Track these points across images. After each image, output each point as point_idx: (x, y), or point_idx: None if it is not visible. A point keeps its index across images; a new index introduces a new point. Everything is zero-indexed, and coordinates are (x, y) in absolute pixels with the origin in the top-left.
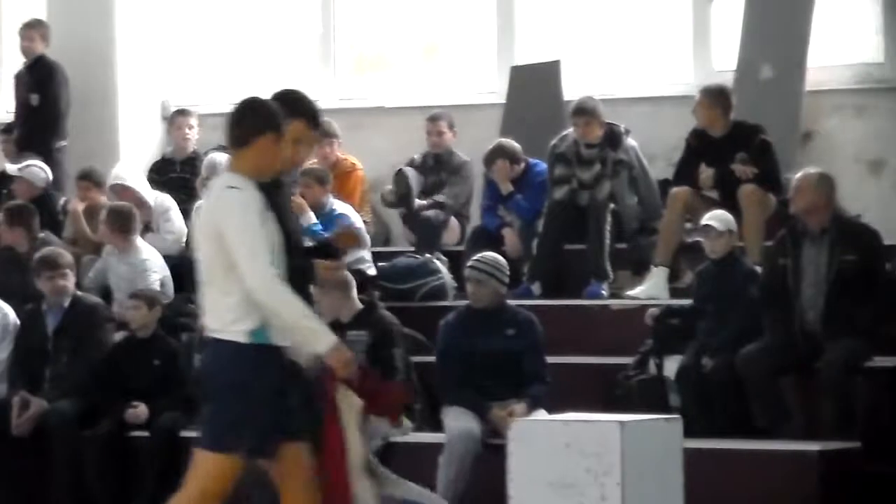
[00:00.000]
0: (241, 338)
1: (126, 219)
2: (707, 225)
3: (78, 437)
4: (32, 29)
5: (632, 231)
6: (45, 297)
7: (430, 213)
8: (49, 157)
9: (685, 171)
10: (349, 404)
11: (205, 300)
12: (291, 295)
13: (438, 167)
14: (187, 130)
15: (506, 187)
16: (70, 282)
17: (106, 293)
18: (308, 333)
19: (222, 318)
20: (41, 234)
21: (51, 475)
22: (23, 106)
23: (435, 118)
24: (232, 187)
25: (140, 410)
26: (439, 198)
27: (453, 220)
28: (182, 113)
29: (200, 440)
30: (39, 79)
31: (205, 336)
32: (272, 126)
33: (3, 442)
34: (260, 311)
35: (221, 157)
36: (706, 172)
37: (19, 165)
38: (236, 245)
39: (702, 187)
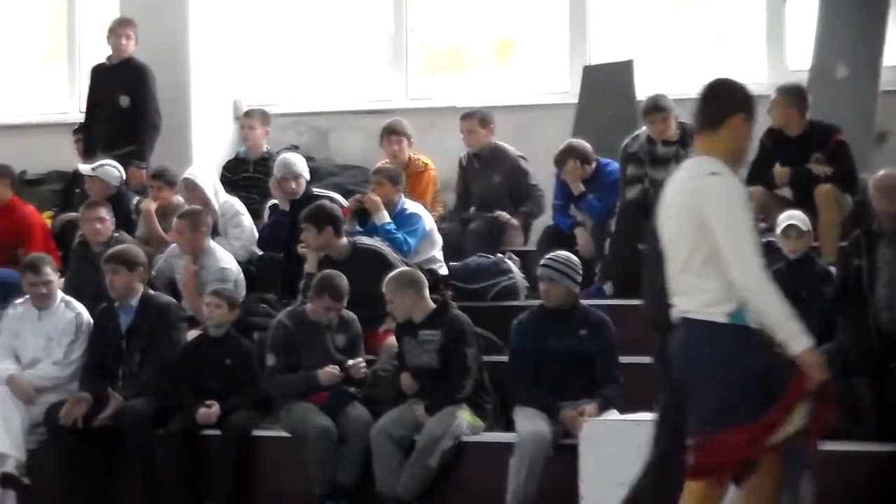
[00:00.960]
0: (719, 318)
1: (199, 220)
2: (791, 224)
3: (151, 435)
4: (125, 27)
5: None
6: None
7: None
8: (131, 158)
9: (760, 171)
10: (800, 413)
11: (677, 282)
12: (777, 294)
13: (483, 165)
14: (259, 130)
15: (577, 187)
16: (138, 279)
17: (174, 290)
18: (788, 334)
19: (699, 300)
20: (116, 234)
21: (124, 473)
22: (108, 106)
23: (465, 116)
24: (714, 173)
25: (212, 409)
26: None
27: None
28: (254, 113)
29: (696, 426)
30: (129, 80)
31: (673, 317)
32: (745, 107)
33: (77, 439)
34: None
35: (294, 157)
36: (782, 172)
37: (92, 165)
38: (724, 238)
39: (777, 187)
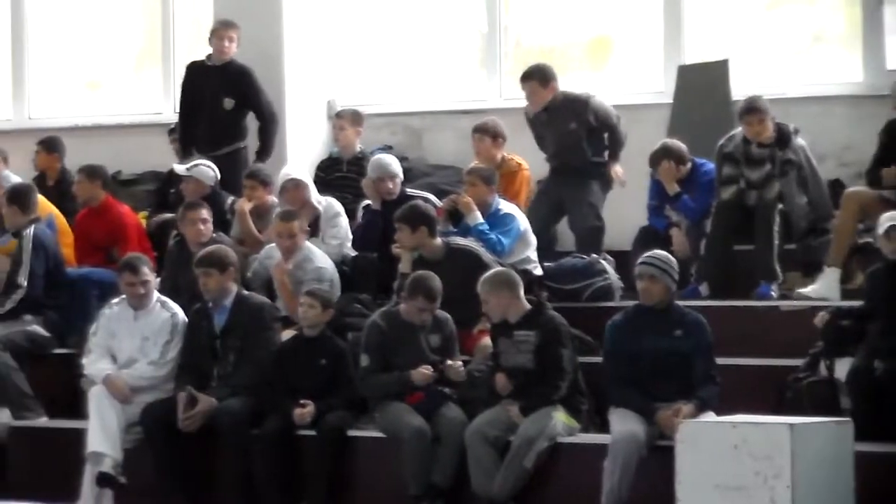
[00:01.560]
0: None
1: (289, 218)
2: (893, 225)
3: (247, 436)
4: (228, 29)
5: (801, 231)
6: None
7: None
8: (231, 158)
9: (876, 169)
10: None
11: None
12: None
13: (552, 116)
14: (350, 131)
15: (672, 188)
16: (231, 279)
17: (270, 291)
18: None
19: None
20: (214, 234)
21: (219, 473)
22: (209, 107)
23: (524, 78)
24: None
25: (307, 409)
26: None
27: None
28: (345, 114)
29: None
30: (234, 82)
31: None
32: None
33: (173, 439)
34: None
35: (389, 158)
36: (889, 172)
37: (187, 165)
38: None
39: (883, 187)
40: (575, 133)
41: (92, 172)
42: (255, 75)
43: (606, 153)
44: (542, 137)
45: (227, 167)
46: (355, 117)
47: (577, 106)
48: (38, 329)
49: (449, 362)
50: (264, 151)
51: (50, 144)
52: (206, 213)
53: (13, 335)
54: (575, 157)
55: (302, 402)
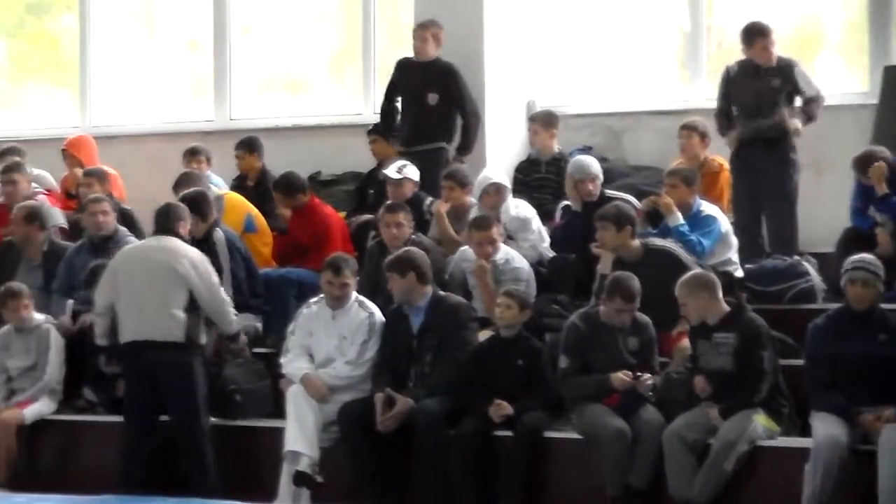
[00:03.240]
0: None
1: (487, 226)
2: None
3: (444, 436)
4: (426, 29)
5: None
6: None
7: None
8: (432, 157)
9: None
10: None
11: None
12: None
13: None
14: (544, 134)
15: (882, 188)
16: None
17: (467, 291)
18: None
19: None
20: (413, 236)
21: (416, 473)
22: (414, 103)
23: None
24: None
25: (504, 410)
26: None
27: None
28: (537, 117)
29: None
30: (438, 79)
31: None
32: None
33: (370, 439)
34: None
35: (589, 159)
36: None
37: (396, 167)
38: None
39: None
40: (776, 91)
41: (288, 188)
42: (459, 73)
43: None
44: (733, 95)
45: (427, 165)
46: (548, 119)
47: (785, 66)
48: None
49: (640, 375)
50: (465, 147)
51: (250, 145)
52: (403, 216)
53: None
54: (769, 116)
55: (498, 401)
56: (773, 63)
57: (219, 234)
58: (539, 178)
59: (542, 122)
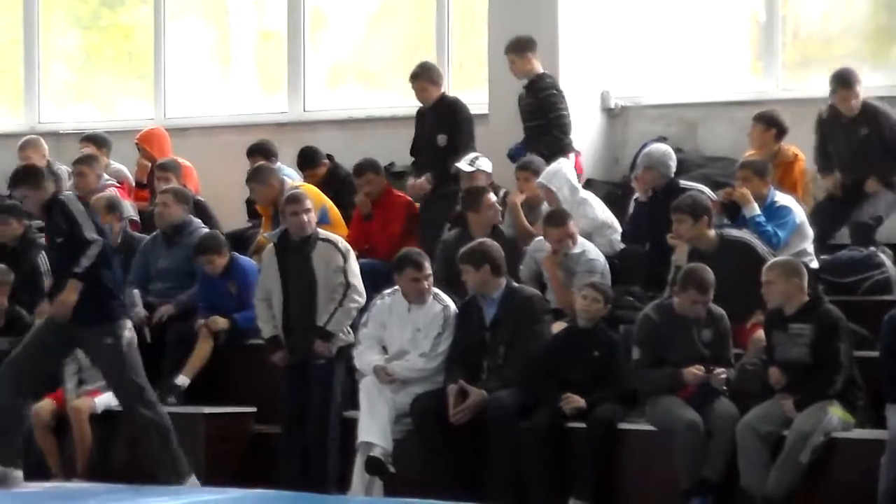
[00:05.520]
0: None
1: (562, 221)
2: None
3: (517, 428)
4: (416, 80)
5: None
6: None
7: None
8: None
9: None
10: None
11: None
12: None
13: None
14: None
15: None
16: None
17: (540, 282)
18: None
19: None
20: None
21: (488, 464)
22: (429, 149)
23: (836, 79)
24: None
25: (575, 403)
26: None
27: None
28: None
29: None
30: (444, 119)
31: None
32: None
33: (442, 430)
34: None
35: (662, 147)
36: None
37: (469, 160)
38: None
39: None
40: (866, 140)
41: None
42: (461, 107)
43: None
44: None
45: (447, 207)
46: (519, 45)
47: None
48: None
49: (714, 370)
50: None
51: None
52: (493, 198)
53: None
54: (867, 170)
55: (570, 394)
56: (857, 112)
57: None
58: (525, 104)
59: (515, 49)
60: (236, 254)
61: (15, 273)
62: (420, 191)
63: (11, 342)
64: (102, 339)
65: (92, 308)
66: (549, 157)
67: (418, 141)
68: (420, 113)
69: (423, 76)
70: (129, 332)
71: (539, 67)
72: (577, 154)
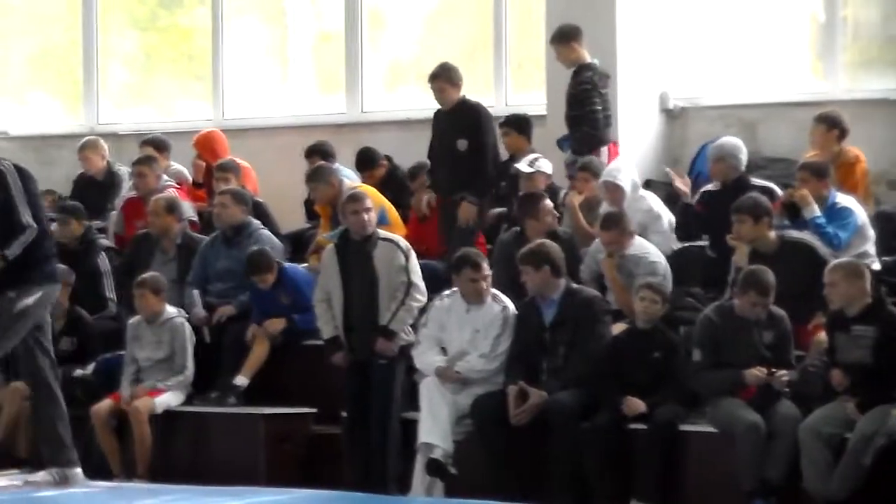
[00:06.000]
0: None
1: (618, 223)
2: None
3: (578, 429)
4: (436, 80)
5: None
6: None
7: None
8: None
9: None
10: None
11: None
12: None
13: None
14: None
15: None
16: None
17: (600, 283)
18: None
19: None
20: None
21: (550, 466)
22: (446, 153)
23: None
24: None
25: (636, 406)
26: None
27: None
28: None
29: None
30: (465, 123)
31: None
32: None
33: (503, 431)
34: None
35: (733, 139)
36: None
37: (528, 161)
38: None
39: None
40: None
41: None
42: (484, 114)
43: None
44: None
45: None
46: (566, 34)
47: None
48: None
49: (775, 372)
50: (480, 191)
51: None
52: (550, 204)
53: None
54: None
55: (629, 398)
56: None
57: None
58: (567, 93)
59: (558, 39)
60: (283, 264)
61: (76, 274)
62: (471, 218)
63: (73, 343)
64: (7, 293)
65: (13, 274)
66: (578, 152)
67: (435, 142)
68: (436, 115)
69: (443, 77)
70: (32, 299)
71: (586, 56)
72: (614, 144)
